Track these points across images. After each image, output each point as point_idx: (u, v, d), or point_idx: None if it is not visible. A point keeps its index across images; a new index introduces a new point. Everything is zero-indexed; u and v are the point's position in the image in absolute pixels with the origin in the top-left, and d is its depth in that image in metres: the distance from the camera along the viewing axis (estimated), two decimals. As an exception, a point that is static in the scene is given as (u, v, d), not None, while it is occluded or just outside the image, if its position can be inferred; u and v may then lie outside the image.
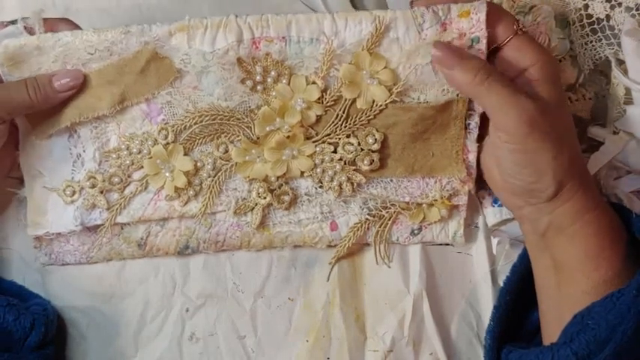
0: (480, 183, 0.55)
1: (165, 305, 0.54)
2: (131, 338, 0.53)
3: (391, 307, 0.54)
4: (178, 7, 0.57)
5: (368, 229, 0.53)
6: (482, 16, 0.46)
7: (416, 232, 0.54)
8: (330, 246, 0.54)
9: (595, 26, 0.54)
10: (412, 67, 0.48)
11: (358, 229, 0.53)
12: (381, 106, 0.49)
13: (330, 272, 0.54)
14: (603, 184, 0.55)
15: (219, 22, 0.47)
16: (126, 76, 0.49)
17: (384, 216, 0.53)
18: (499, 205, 0.54)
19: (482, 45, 0.47)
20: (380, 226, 0.53)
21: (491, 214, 0.54)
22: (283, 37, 0.48)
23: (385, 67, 0.48)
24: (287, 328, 0.54)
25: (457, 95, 0.49)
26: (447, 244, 0.55)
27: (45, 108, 0.49)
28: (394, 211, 0.53)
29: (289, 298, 0.54)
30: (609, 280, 0.45)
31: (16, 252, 0.54)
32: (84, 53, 0.48)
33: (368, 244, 0.54)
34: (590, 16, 0.54)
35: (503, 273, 0.53)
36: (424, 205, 0.53)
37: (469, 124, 0.50)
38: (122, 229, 0.53)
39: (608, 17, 0.54)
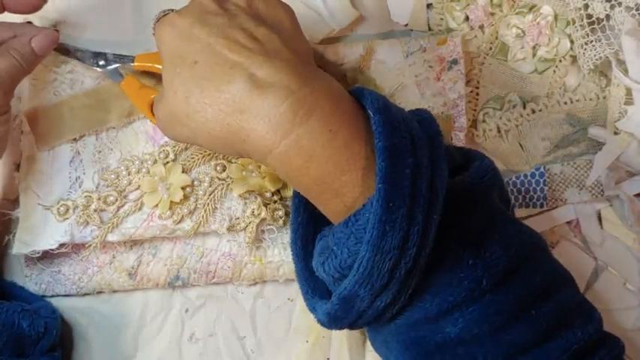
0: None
1: (165, 305, 0.54)
2: (131, 338, 0.53)
3: (391, 308, 0.54)
4: (177, 7, 0.57)
5: None
6: (458, 40, 0.54)
7: None
8: None
9: (595, 26, 0.54)
10: (397, 85, 0.53)
11: None
12: None
13: None
14: (605, 185, 0.55)
15: None
16: None
17: None
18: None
19: (461, 66, 0.53)
20: None
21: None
22: None
23: (374, 85, 0.53)
24: (287, 328, 0.54)
25: (442, 113, 0.53)
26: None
27: (30, 72, 0.50)
28: None
29: (289, 299, 0.54)
30: (351, 206, 0.39)
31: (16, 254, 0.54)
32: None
33: None
34: (590, 16, 0.54)
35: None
36: None
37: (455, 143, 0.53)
38: (114, 257, 0.53)
39: (608, 17, 0.54)
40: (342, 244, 0.38)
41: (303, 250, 0.45)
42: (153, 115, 0.47)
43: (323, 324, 0.41)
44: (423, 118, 0.41)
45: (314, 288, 0.44)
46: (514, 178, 0.55)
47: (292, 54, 0.41)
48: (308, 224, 0.46)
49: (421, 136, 0.38)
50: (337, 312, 0.39)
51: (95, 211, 0.51)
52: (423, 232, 0.36)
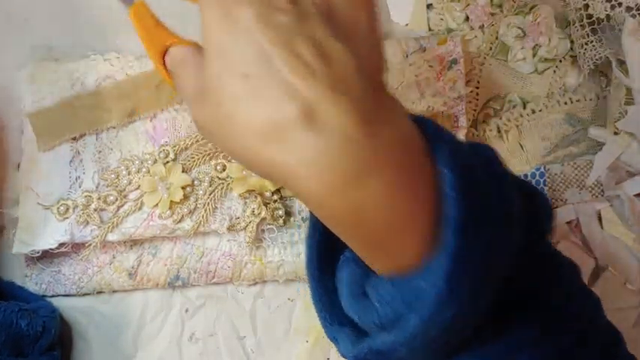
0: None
1: (165, 305, 0.54)
2: (130, 338, 0.53)
3: (391, 308, 0.54)
4: (175, 4, 0.57)
5: None
6: (458, 40, 0.54)
7: None
8: None
9: (595, 26, 0.54)
10: (398, 84, 0.53)
11: None
12: None
13: None
14: (605, 185, 0.55)
15: None
16: (141, 90, 0.52)
17: None
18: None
19: (461, 66, 0.53)
20: None
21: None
22: None
23: None
24: (287, 328, 0.54)
25: (442, 112, 0.53)
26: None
27: None
28: None
29: (289, 299, 0.54)
30: (401, 266, 0.32)
31: (16, 254, 0.54)
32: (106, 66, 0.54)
33: None
34: (590, 16, 0.54)
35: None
36: None
37: None
38: (114, 257, 0.53)
39: (608, 17, 0.54)
40: (386, 303, 0.32)
41: (319, 270, 0.39)
42: (164, 67, 0.39)
43: None
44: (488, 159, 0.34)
45: (332, 313, 0.37)
46: (514, 178, 0.55)
47: (366, 84, 0.31)
48: (326, 241, 0.39)
49: (506, 197, 0.32)
50: (367, 358, 0.34)
51: (95, 210, 0.52)
52: (484, 314, 0.31)
